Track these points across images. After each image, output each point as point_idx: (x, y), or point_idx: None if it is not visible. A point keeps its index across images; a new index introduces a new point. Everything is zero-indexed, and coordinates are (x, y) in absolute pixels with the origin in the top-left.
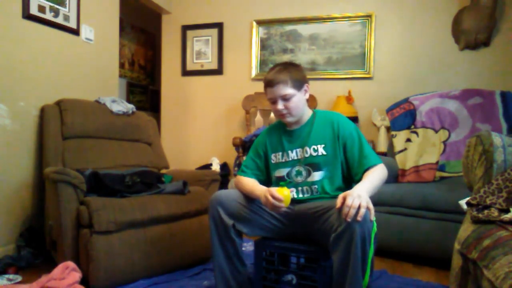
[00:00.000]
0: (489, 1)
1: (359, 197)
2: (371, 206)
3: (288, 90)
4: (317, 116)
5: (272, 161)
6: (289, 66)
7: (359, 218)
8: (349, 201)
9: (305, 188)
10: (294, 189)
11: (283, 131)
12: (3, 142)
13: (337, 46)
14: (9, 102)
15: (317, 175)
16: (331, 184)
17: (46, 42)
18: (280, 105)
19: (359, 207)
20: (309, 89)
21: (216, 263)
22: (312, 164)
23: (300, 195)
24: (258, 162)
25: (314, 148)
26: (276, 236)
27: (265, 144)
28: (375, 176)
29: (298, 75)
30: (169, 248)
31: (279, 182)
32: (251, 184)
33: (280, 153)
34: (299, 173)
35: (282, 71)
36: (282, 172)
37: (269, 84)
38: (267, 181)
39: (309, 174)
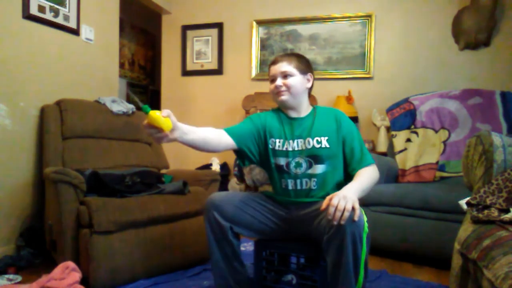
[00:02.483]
0: (489, 1)
1: (345, 198)
2: (356, 206)
3: (290, 69)
4: (319, 111)
5: (270, 146)
6: (297, 54)
7: (342, 222)
8: (334, 202)
9: (304, 180)
10: (293, 181)
11: (284, 119)
12: (3, 142)
13: (337, 46)
14: (9, 102)
15: (319, 168)
16: (332, 178)
17: (46, 42)
18: (279, 81)
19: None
20: (312, 80)
21: (214, 266)
22: (314, 156)
23: (299, 187)
24: (243, 127)
25: (317, 140)
26: (274, 238)
27: (265, 124)
28: (367, 177)
29: (303, 62)
30: (169, 248)
31: (279, 171)
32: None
33: (282, 141)
34: (298, 164)
35: (289, 54)
36: (281, 161)
37: (273, 62)
38: (266, 166)
39: (309, 166)
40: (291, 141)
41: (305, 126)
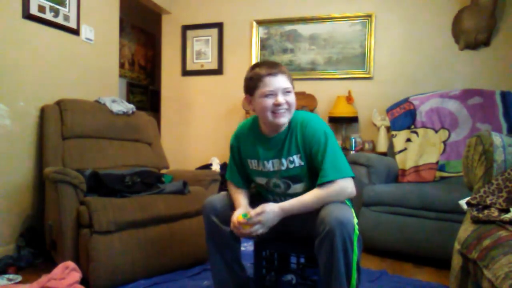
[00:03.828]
0: (489, 1)
1: (263, 226)
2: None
3: (289, 84)
4: (293, 121)
5: (249, 166)
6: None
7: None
8: (253, 229)
9: (287, 198)
10: (277, 198)
11: (258, 138)
12: (3, 142)
13: (337, 46)
14: (9, 102)
15: (298, 188)
16: None
17: (46, 42)
18: (282, 99)
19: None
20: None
21: (213, 269)
22: (290, 177)
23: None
24: (238, 164)
25: (290, 160)
26: (272, 238)
27: (239, 147)
28: (317, 194)
29: (290, 74)
30: (169, 248)
31: (262, 188)
32: (235, 198)
33: (256, 161)
34: (276, 185)
35: (279, 65)
36: (260, 180)
37: (270, 74)
38: (249, 182)
39: (288, 187)
40: (265, 162)
41: (278, 146)
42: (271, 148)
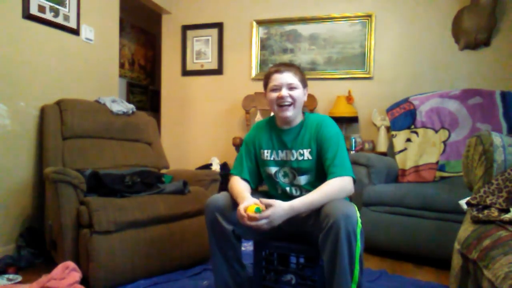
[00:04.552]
0: (489, 1)
1: (270, 223)
2: (270, 226)
3: (296, 81)
4: (307, 121)
5: (261, 157)
6: (297, 66)
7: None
8: (260, 223)
9: (293, 188)
10: (284, 188)
11: (274, 130)
12: (3, 142)
13: (337, 46)
14: (9, 102)
15: (302, 180)
16: (321, 183)
17: (46, 42)
18: (285, 92)
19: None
20: (307, 94)
21: (215, 267)
22: (297, 169)
23: (293, 193)
24: (252, 159)
25: (300, 153)
26: (273, 237)
27: (254, 140)
28: (322, 191)
29: (303, 75)
30: (169, 248)
31: (270, 178)
32: (239, 191)
33: (270, 151)
34: (285, 174)
35: (290, 65)
36: (270, 170)
37: (277, 71)
38: (259, 176)
39: (294, 177)
40: (279, 152)
41: (291, 138)
42: (284, 139)
